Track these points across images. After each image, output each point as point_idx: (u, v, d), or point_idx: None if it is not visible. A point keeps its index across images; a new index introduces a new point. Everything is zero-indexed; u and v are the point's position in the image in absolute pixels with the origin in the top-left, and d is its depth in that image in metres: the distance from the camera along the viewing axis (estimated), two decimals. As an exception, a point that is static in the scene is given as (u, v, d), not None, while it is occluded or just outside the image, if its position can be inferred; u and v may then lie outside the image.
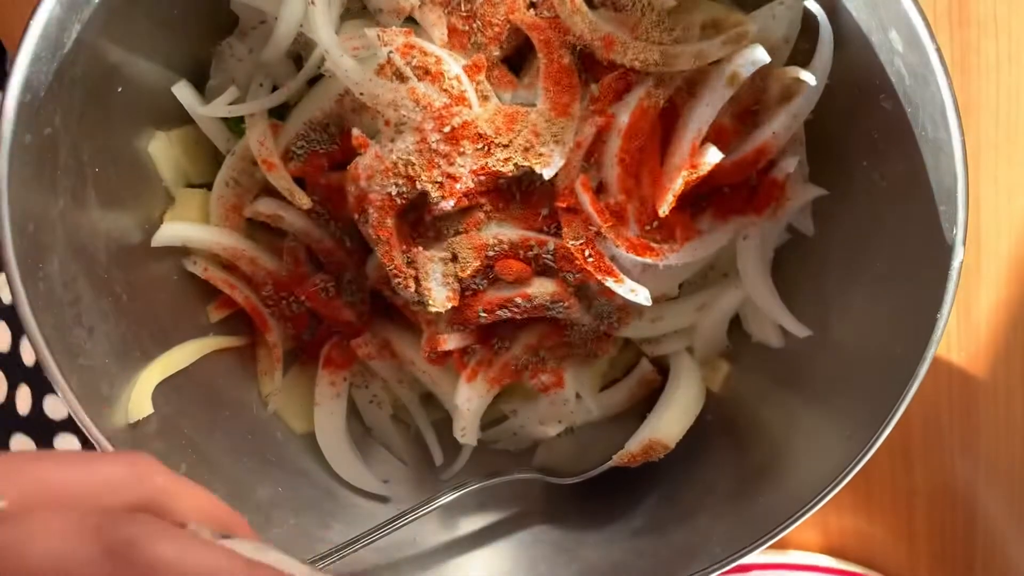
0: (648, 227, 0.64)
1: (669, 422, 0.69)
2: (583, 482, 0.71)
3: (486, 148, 0.60)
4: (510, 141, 0.60)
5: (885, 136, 0.60)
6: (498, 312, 0.65)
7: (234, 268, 0.69)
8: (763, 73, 0.63)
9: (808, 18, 0.62)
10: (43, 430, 0.75)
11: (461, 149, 0.60)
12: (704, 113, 0.62)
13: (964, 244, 0.55)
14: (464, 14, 0.62)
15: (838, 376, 0.66)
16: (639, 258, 0.63)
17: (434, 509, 0.67)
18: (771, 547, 0.83)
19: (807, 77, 0.61)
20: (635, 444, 0.68)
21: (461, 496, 0.70)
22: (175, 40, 0.64)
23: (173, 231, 0.66)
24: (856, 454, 0.59)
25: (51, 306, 0.55)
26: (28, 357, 0.75)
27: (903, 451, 0.85)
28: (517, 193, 0.64)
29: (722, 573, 0.61)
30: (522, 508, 0.72)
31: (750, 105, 0.65)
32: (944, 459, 0.84)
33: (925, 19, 0.52)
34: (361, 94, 0.61)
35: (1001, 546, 0.86)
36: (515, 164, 0.60)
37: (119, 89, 0.60)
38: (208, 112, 0.66)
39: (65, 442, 0.75)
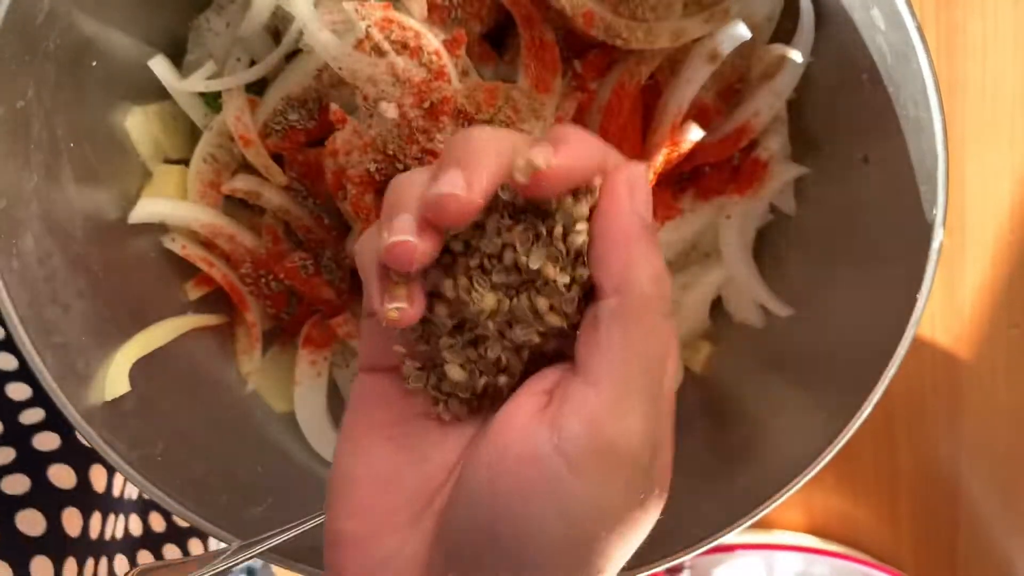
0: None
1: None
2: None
3: (466, 124, 0.60)
4: (491, 117, 0.60)
5: (867, 115, 0.59)
6: (477, 291, 0.65)
7: (212, 245, 0.69)
8: (746, 52, 0.63)
9: (792, -4, 0.62)
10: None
11: (441, 125, 0.59)
12: (685, 90, 0.61)
13: (944, 224, 0.55)
14: (444, -11, 0.61)
15: (819, 356, 0.66)
16: (619, 237, 0.63)
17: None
18: (755, 527, 0.84)
19: (794, 55, 0.61)
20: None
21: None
22: (151, 13, 0.63)
23: (150, 207, 0.66)
24: (836, 434, 0.59)
25: (25, 283, 0.55)
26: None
27: (887, 432, 0.85)
28: (496, 170, 0.63)
29: (705, 552, 0.61)
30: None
31: (733, 84, 0.64)
32: (928, 440, 0.85)
33: (907, -4, 0.52)
34: (339, 69, 0.60)
35: (984, 527, 0.87)
36: (495, 141, 0.60)
37: (94, 63, 0.60)
38: (185, 87, 0.65)
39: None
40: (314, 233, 0.68)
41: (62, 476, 0.67)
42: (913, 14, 0.52)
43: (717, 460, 0.68)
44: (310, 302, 0.71)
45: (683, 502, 0.67)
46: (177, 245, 0.68)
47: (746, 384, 0.71)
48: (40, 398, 0.70)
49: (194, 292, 0.70)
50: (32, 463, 0.67)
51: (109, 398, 0.59)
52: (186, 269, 0.69)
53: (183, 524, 0.76)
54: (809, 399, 0.64)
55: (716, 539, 0.60)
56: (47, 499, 0.66)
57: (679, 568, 0.84)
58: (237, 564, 0.57)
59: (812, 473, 0.59)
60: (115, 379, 0.60)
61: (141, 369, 0.62)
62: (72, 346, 0.58)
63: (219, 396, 0.70)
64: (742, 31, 0.59)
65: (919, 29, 0.52)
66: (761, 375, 0.70)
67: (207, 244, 0.69)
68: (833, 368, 0.64)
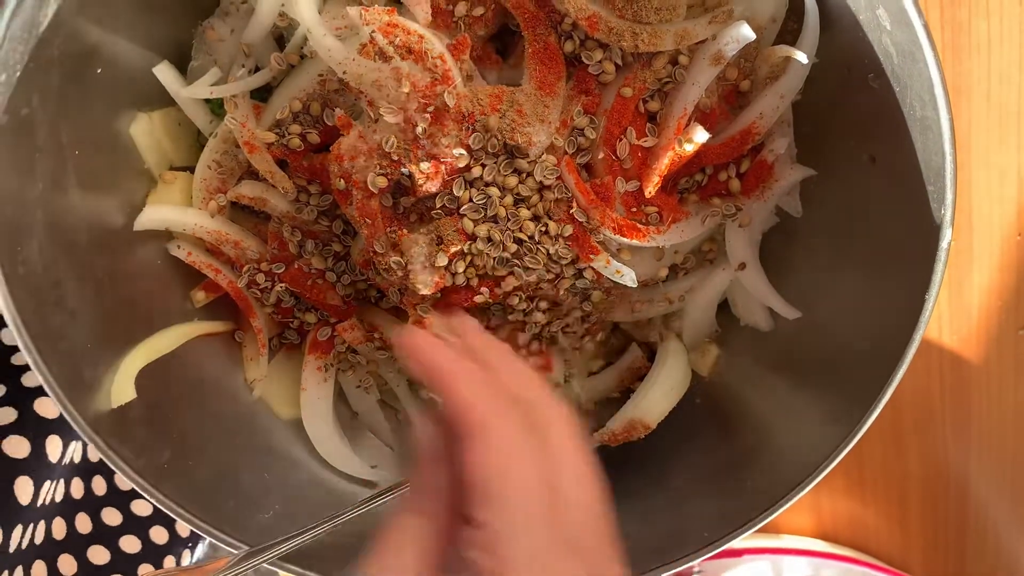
0: (635, 208, 0.64)
1: (652, 402, 0.68)
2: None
3: (470, 128, 0.59)
4: (495, 121, 0.60)
5: (873, 116, 0.59)
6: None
7: (218, 252, 0.69)
8: (751, 54, 0.63)
9: (796, -3, 0.61)
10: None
11: (446, 129, 0.59)
12: (690, 92, 0.61)
13: (952, 224, 0.54)
14: (448, -6, 0.61)
15: (827, 359, 0.66)
16: (626, 239, 0.62)
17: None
18: (764, 531, 0.83)
19: (799, 56, 0.60)
20: (617, 423, 0.68)
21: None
22: (156, 20, 0.63)
23: (156, 214, 0.66)
24: (844, 437, 0.58)
25: (31, 290, 0.55)
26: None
27: (895, 435, 0.85)
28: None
29: (713, 556, 0.61)
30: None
31: (738, 86, 0.64)
32: (936, 443, 0.84)
33: (913, -5, 0.52)
34: (344, 74, 0.60)
35: (992, 529, 0.86)
36: (500, 144, 0.60)
37: (99, 70, 0.60)
38: (190, 93, 0.65)
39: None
40: (320, 239, 0.68)
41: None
42: (920, 12, 0.51)
43: (724, 463, 0.68)
44: (316, 308, 0.71)
45: (691, 505, 0.67)
46: (183, 252, 0.68)
47: (753, 387, 0.71)
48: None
49: (200, 299, 0.70)
50: None
51: (115, 405, 0.59)
52: (192, 276, 0.69)
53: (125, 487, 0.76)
54: (817, 402, 0.64)
55: (725, 542, 0.60)
56: None
57: (688, 572, 0.84)
58: (244, 571, 0.57)
59: (820, 477, 0.59)
60: (121, 386, 0.60)
61: (147, 376, 0.62)
62: (78, 353, 0.58)
63: (225, 403, 0.70)
64: (746, 32, 0.59)
65: (926, 28, 0.52)
66: (768, 378, 0.70)
67: (213, 251, 0.69)
68: (841, 371, 0.63)
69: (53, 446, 0.69)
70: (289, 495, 0.67)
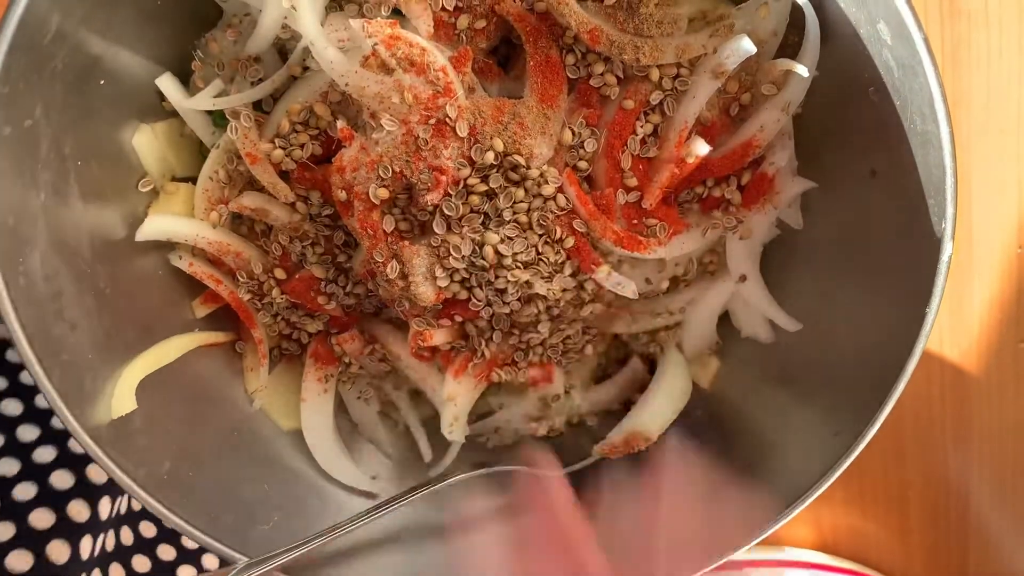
0: (635, 220, 0.64)
1: (652, 414, 0.68)
2: (572, 477, 0.71)
3: (472, 140, 0.60)
4: (497, 133, 0.60)
5: (874, 129, 0.59)
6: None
7: (219, 263, 0.69)
8: (751, 67, 0.63)
9: (797, 11, 0.61)
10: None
11: (447, 142, 0.59)
12: (691, 106, 0.61)
13: (953, 238, 0.54)
14: (450, 7, 0.61)
15: (827, 371, 0.65)
16: (627, 251, 0.63)
17: (416, 498, 0.66)
18: (764, 544, 0.83)
19: (800, 69, 0.60)
20: (617, 435, 0.68)
21: (451, 492, 0.70)
22: (159, 32, 0.63)
23: (157, 225, 0.66)
24: (845, 450, 0.58)
25: (32, 301, 0.55)
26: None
27: (895, 447, 0.84)
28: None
29: (714, 569, 0.60)
30: (512, 503, 0.72)
31: (739, 99, 0.64)
32: (937, 454, 0.84)
33: (913, 10, 0.52)
34: (346, 86, 0.60)
35: (995, 540, 0.86)
36: (501, 156, 0.60)
37: (101, 82, 0.60)
38: (193, 105, 0.65)
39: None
40: (321, 250, 0.68)
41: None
42: (920, 27, 0.52)
43: (724, 475, 0.68)
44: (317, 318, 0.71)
45: (692, 518, 0.67)
46: (184, 262, 0.68)
47: (754, 400, 0.71)
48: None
49: (201, 309, 0.70)
50: None
51: (116, 416, 0.59)
52: (193, 286, 0.69)
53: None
54: (818, 414, 0.64)
55: (725, 556, 0.60)
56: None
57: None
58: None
59: (822, 489, 0.59)
60: (122, 397, 0.60)
61: (148, 387, 0.62)
62: (79, 364, 0.58)
63: (226, 414, 0.69)
64: (747, 46, 0.59)
65: (926, 42, 0.52)
66: (769, 390, 0.70)
67: (214, 261, 0.69)
68: (842, 383, 0.63)
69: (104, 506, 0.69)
70: (289, 506, 0.67)
